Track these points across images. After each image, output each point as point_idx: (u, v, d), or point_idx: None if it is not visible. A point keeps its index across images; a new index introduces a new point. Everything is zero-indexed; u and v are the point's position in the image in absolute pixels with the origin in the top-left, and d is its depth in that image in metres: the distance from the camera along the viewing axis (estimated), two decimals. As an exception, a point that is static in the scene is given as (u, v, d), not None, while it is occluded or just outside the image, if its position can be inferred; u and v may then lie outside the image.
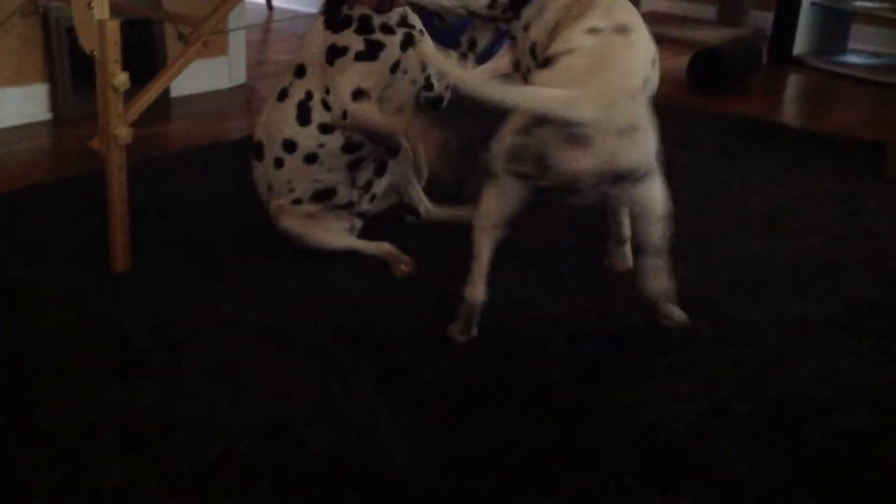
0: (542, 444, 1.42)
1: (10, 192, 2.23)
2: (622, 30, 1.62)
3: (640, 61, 1.61)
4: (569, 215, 1.92)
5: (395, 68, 1.92)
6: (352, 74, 1.88)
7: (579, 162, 1.48)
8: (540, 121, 1.47)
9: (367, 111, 1.89)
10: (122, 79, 1.76)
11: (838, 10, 4.24)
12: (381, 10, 1.91)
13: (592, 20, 1.63)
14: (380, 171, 2.06)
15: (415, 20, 1.98)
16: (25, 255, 1.92)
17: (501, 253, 2.03)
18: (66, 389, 1.48)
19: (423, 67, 1.96)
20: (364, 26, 1.91)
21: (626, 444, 1.43)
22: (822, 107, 3.60)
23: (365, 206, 2.07)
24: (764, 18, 4.60)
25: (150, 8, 2.85)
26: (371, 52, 1.89)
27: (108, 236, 1.88)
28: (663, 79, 1.76)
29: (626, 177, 1.53)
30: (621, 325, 1.77)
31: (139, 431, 1.39)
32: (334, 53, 1.90)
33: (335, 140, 1.93)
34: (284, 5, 5.08)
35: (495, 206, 1.60)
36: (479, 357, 1.64)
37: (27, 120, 2.83)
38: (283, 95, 1.96)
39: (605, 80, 1.51)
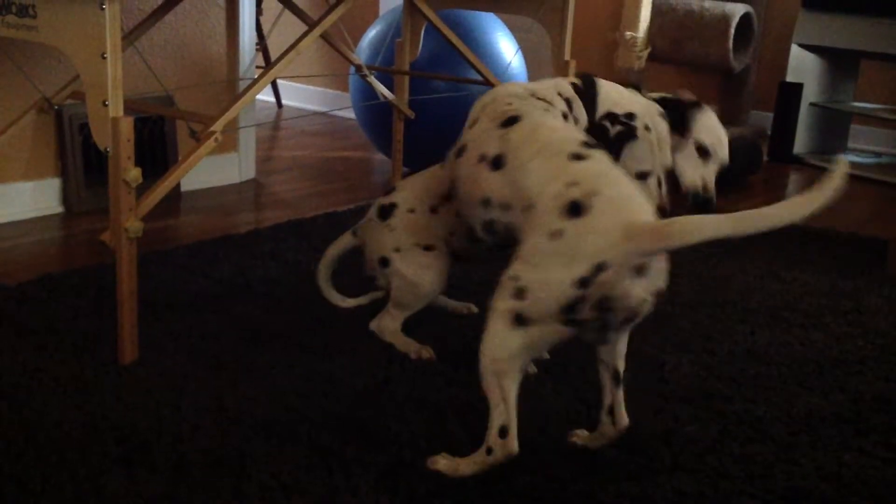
0: (546, 539, 1.40)
1: (20, 283, 2.25)
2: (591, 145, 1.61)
3: None
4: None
5: None
6: None
7: (643, 290, 1.42)
8: (602, 267, 1.39)
9: None
10: (134, 174, 1.80)
11: (837, 111, 4.33)
12: None
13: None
14: None
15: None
16: (34, 344, 1.93)
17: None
18: (69, 479, 1.48)
19: None
20: None
21: (631, 539, 1.41)
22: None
23: None
24: (764, 118, 4.69)
25: (162, 105, 2.92)
26: None
27: (115, 328, 1.89)
28: (665, 175, 1.80)
29: (662, 293, 1.48)
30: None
31: (141, 524, 1.38)
32: None
33: None
34: (293, 103, 5.18)
35: (524, 350, 1.47)
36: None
37: (39, 213, 2.87)
38: None
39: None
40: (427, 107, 3.36)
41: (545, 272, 1.43)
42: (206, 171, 3.28)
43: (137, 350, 1.90)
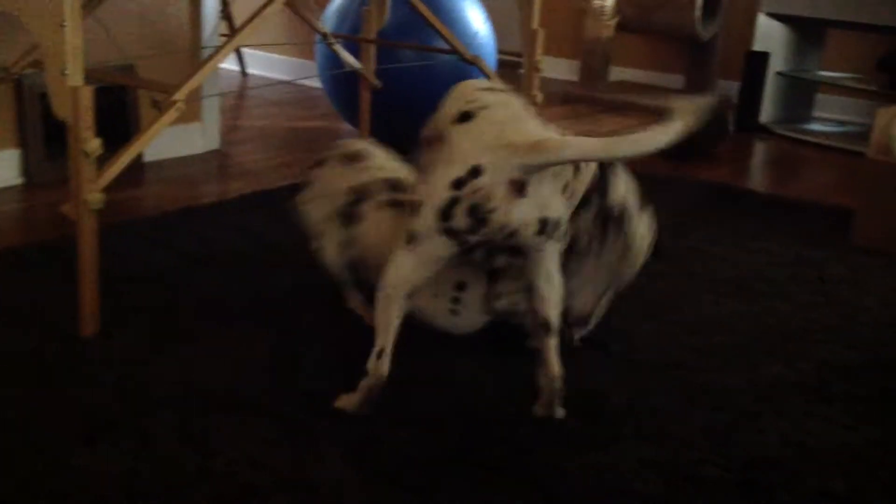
0: (513, 511, 1.41)
1: (-21, 257, 2.22)
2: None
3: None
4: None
5: None
6: None
7: (524, 212, 1.46)
8: (477, 171, 1.45)
9: None
10: (94, 145, 1.77)
11: (803, 80, 4.34)
12: None
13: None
14: None
15: None
16: (-7, 320, 1.91)
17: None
18: (32, 456, 1.46)
19: None
20: None
21: (597, 509, 1.42)
22: (789, 173, 3.66)
23: None
24: (730, 87, 4.70)
25: (124, 75, 2.87)
26: None
27: (77, 301, 1.87)
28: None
29: (553, 227, 1.52)
30: (591, 389, 1.77)
31: (105, 499, 1.37)
32: None
33: None
34: (258, 72, 5.13)
35: (414, 271, 1.53)
36: (449, 423, 1.63)
37: (-2, 185, 2.83)
38: None
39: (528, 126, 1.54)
40: (394, 76, 3.33)
41: (429, 179, 1.51)
42: (169, 142, 3.24)
43: (99, 324, 1.88)
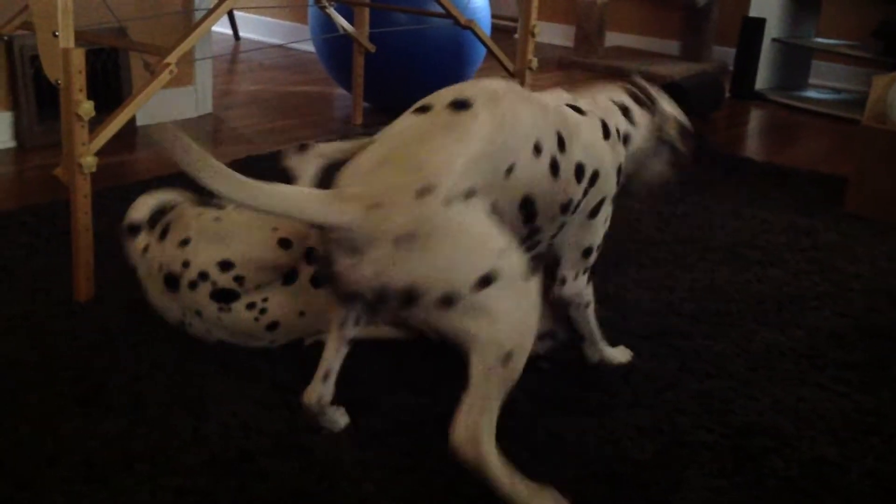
0: (507, 475, 1.41)
1: (-30, 221, 2.20)
2: (459, 105, 1.34)
3: (461, 149, 1.28)
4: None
5: None
6: None
7: (354, 271, 1.23)
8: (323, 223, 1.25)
9: None
10: (86, 107, 1.75)
11: (799, 47, 4.32)
12: None
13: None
14: None
15: None
16: (-14, 284, 1.90)
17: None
18: (25, 419, 1.46)
19: None
20: None
21: (591, 474, 1.43)
22: (784, 141, 3.65)
23: None
24: (726, 54, 4.68)
25: (115, 37, 2.84)
26: None
27: (71, 265, 1.86)
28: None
29: (410, 297, 1.23)
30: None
31: (99, 463, 1.37)
32: None
33: None
34: (251, 36, 5.09)
35: (333, 308, 1.43)
36: (442, 389, 1.64)
37: (-11, 148, 2.80)
38: None
39: (380, 177, 1.26)
40: (388, 40, 3.31)
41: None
42: (162, 105, 3.21)
43: (93, 288, 1.87)
